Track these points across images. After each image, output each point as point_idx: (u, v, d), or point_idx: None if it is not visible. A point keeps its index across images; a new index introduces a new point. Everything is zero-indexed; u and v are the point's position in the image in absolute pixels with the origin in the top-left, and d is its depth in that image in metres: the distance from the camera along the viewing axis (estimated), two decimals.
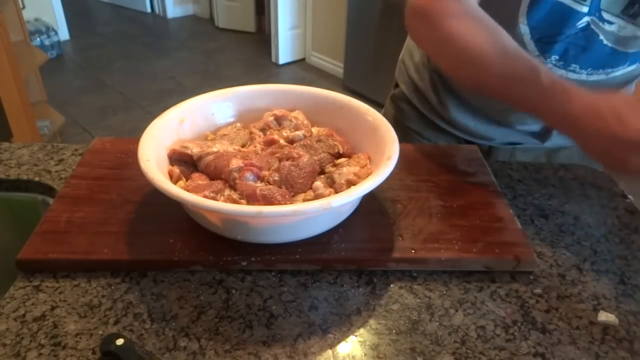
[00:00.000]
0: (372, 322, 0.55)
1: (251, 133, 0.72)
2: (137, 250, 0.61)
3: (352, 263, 0.61)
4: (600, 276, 0.62)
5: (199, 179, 0.63)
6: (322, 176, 0.66)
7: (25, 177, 0.76)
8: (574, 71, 0.76)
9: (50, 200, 0.75)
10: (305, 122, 0.73)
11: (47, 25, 3.60)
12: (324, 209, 0.54)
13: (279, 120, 0.73)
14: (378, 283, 0.60)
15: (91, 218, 0.65)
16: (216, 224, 0.60)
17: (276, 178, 0.62)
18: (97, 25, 4.44)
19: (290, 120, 0.72)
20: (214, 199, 0.58)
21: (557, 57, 0.75)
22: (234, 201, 0.59)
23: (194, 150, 0.66)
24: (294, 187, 0.62)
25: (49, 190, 0.76)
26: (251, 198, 0.59)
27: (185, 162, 0.66)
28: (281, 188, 0.61)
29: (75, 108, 3.02)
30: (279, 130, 0.72)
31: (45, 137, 2.43)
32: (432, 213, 0.67)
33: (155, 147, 0.63)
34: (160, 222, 0.64)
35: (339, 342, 0.53)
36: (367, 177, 0.61)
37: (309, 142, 0.69)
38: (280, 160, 0.65)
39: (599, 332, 0.55)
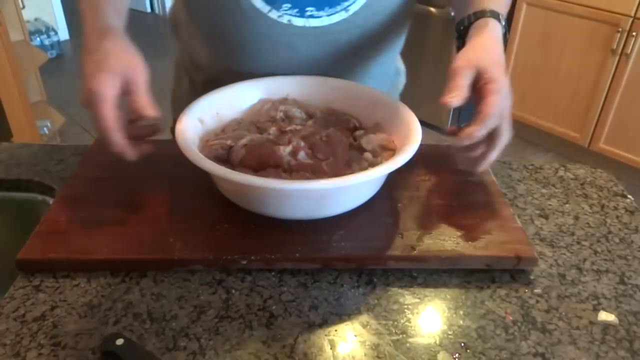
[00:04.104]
0: (372, 322, 0.55)
1: (259, 128, 0.73)
2: (137, 249, 0.61)
3: (352, 261, 0.61)
4: (600, 276, 0.62)
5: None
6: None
7: (25, 177, 0.76)
8: (312, 16, 0.74)
9: (50, 200, 0.75)
10: (310, 108, 0.76)
11: (47, 25, 3.60)
12: (403, 162, 0.59)
13: (286, 112, 0.74)
14: (378, 283, 0.60)
15: (91, 218, 0.65)
16: (286, 204, 0.62)
17: (320, 154, 0.65)
18: None
19: (300, 112, 0.75)
20: None
21: (289, 5, 0.72)
22: (309, 179, 0.61)
23: (229, 141, 0.67)
24: (338, 158, 0.65)
25: (49, 190, 0.76)
26: (320, 173, 0.62)
27: (218, 160, 0.66)
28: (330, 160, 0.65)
29: (75, 108, 3.02)
30: (290, 120, 0.74)
31: (45, 137, 2.43)
32: (432, 212, 0.67)
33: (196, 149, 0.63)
34: (159, 222, 0.64)
35: (339, 342, 0.53)
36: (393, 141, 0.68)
37: (322, 121, 0.72)
38: (306, 139, 0.67)
39: (599, 332, 0.55)
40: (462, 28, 0.71)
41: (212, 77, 0.85)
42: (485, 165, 0.67)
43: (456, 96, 0.63)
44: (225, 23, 0.75)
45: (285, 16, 0.73)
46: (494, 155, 0.66)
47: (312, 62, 0.79)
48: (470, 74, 0.63)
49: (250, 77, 0.78)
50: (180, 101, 0.96)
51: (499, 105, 0.62)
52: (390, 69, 0.92)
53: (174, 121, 0.98)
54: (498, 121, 0.63)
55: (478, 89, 0.64)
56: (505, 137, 0.65)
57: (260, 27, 0.74)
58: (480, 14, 0.69)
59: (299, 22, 0.74)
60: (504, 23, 0.69)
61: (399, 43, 0.88)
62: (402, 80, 0.99)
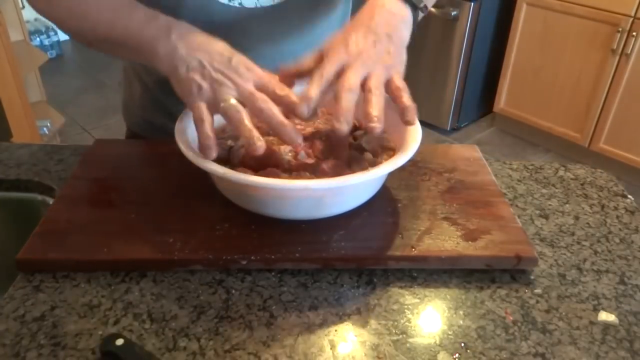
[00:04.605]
0: (372, 322, 0.55)
1: (258, 128, 0.73)
2: (137, 250, 0.61)
3: (352, 261, 0.61)
4: (600, 276, 0.62)
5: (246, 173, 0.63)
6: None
7: (25, 177, 0.76)
8: (241, 4, 0.74)
9: (50, 200, 0.75)
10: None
11: (46, 25, 3.60)
12: (404, 162, 0.59)
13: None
14: (378, 283, 0.60)
15: (91, 218, 0.65)
16: (288, 204, 0.62)
17: (320, 154, 0.65)
18: None
19: None
20: None
21: None
22: (310, 178, 0.61)
23: (229, 141, 0.67)
24: (338, 158, 0.65)
25: (48, 190, 0.76)
26: (321, 173, 0.62)
27: (218, 160, 0.66)
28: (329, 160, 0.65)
29: (75, 108, 3.02)
30: (290, 120, 0.73)
31: (45, 137, 2.43)
32: (432, 212, 0.67)
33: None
34: (159, 222, 0.64)
35: (339, 342, 0.53)
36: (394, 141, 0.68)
37: (324, 119, 0.72)
38: (306, 139, 0.67)
39: (599, 332, 0.55)
40: None
41: (165, 76, 0.85)
42: (411, 112, 0.60)
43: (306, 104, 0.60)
44: (178, 16, 0.72)
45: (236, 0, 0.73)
46: (404, 99, 0.60)
47: (267, 44, 0.78)
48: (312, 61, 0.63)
49: None
50: (133, 107, 0.94)
51: (335, 50, 0.60)
52: None
53: (128, 129, 0.96)
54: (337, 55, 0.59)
55: None
56: (360, 68, 0.59)
57: (214, 15, 0.73)
58: None
59: (249, 3, 0.74)
60: None
61: (345, 19, 0.89)
62: None
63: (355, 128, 0.73)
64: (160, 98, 0.87)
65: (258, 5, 0.74)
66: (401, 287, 0.59)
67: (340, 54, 0.60)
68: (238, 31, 0.76)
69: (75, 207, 0.66)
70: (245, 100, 0.59)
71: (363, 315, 0.56)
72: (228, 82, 0.59)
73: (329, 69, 0.60)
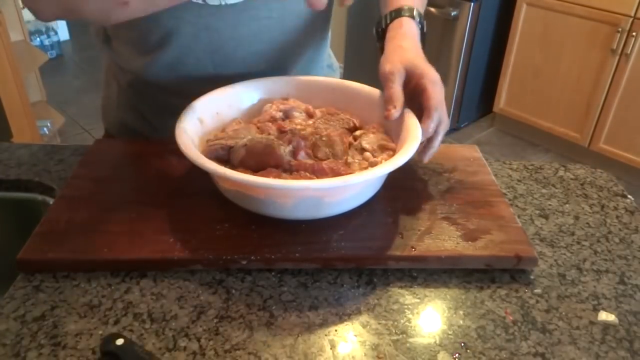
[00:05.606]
0: (372, 322, 0.55)
1: (259, 128, 0.73)
2: (137, 249, 0.61)
3: (352, 261, 0.61)
4: (600, 276, 0.62)
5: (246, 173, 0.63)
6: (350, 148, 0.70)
7: (25, 177, 0.76)
8: None
9: (50, 200, 0.75)
10: (310, 108, 0.77)
11: (47, 25, 3.60)
12: (404, 162, 0.59)
13: (286, 113, 0.74)
14: (378, 283, 0.60)
15: (91, 218, 0.65)
16: (288, 204, 0.62)
17: (323, 153, 0.66)
18: None
19: (300, 112, 0.75)
20: None
21: None
22: (310, 178, 0.62)
23: (229, 141, 0.67)
24: (338, 158, 0.66)
25: (49, 190, 0.76)
26: (320, 172, 0.63)
27: (219, 160, 0.66)
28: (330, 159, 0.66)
29: (75, 108, 3.02)
30: (290, 121, 0.74)
31: (45, 137, 2.43)
32: (432, 212, 0.67)
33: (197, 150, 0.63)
34: (159, 222, 0.64)
35: (339, 342, 0.53)
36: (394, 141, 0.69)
37: (322, 121, 0.73)
38: (306, 139, 0.68)
39: (599, 332, 0.55)
40: (380, 30, 0.75)
41: (138, 76, 0.83)
42: (432, 154, 0.69)
43: (396, 106, 0.66)
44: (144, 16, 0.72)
45: None
46: (438, 142, 0.68)
47: (238, 44, 0.77)
48: (400, 75, 0.67)
49: (176, 68, 0.76)
50: (110, 108, 0.94)
51: (438, 96, 0.65)
52: (320, 60, 0.91)
53: (105, 131, 0.96)
54: (441, 110, 0.66)
55: (413, 86, 0.67)
56: (445, 123, 0.67)
57: (176, 11, 0.72)
58: (396, 14, 0.73)
59: (214, 1, 0.73)
60: (418, 19, 0.73)
61: (325, 27, 0.89)
62: (337, 77, 0.98)
63: (355, 128, 0.74)
64: (132, 99, 0.87)
65: (223, 4, 0.73)
66: (401, 287, 0.60)
67: (439, 107, 0.66)
68: (202, 28, 0.75)
69: (75, 207, 0.66)
70: None
71: (363, 315, 0.56)
72: None
73: (435, 121, 0.66)
